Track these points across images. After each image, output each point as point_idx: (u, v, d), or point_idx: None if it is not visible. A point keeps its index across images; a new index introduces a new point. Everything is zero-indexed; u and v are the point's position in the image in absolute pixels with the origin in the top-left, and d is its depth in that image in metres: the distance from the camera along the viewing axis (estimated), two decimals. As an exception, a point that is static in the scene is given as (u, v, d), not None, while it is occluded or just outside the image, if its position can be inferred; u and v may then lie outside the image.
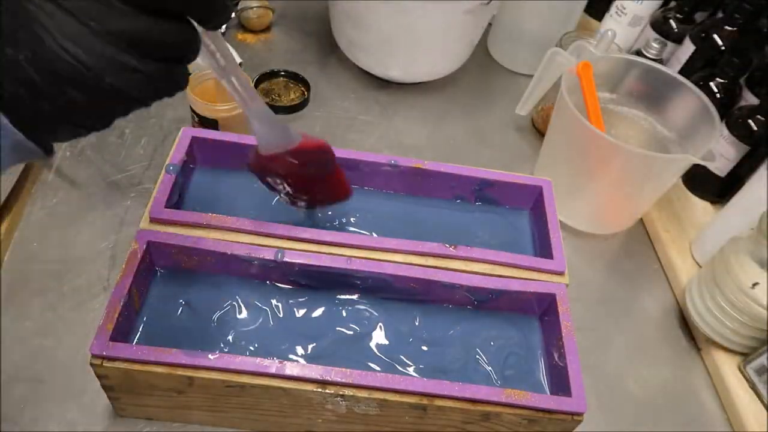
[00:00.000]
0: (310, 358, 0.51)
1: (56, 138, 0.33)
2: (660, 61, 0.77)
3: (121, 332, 0.47)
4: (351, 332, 0.53)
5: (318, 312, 0.54)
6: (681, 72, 0.80)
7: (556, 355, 0.51)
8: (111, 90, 0.30)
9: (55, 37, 0.28)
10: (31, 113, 0.31)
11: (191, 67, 0.77)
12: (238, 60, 0.82)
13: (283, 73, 0.85)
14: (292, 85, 0.84)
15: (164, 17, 0.30)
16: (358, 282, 0.54)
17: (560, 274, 0.55)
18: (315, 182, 0.53)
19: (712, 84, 0.75)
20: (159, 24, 0.30)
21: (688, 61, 0.81)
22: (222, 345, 0.51)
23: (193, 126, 0.71)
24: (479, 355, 0.53)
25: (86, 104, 0.31)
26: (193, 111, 0.69)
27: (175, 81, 0.32)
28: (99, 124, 0.33)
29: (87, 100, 0.30)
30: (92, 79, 0.29)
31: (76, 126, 0.33)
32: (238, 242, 0.52)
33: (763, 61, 0.75)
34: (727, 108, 0.74)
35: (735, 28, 0.77)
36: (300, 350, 0.51)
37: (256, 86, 0.82)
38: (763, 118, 0.70)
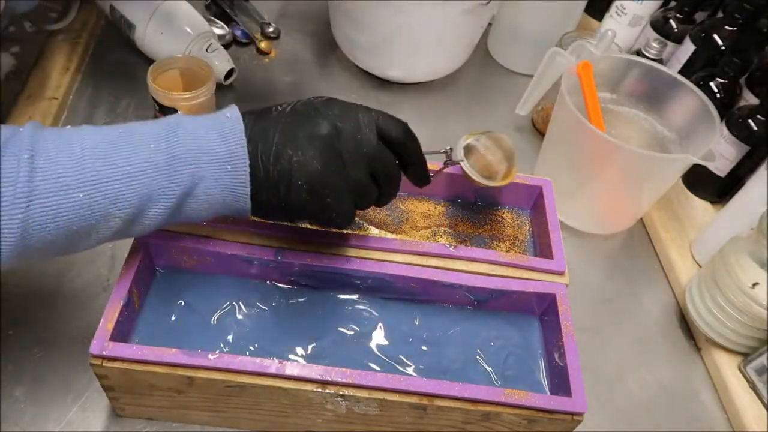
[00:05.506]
0: (310, 358, 0.51)
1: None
2: (660, 61, 0.77)
3: (121, 332, 0.47)
4: (351, 332, 0.53)
5: (318, 312, 0.54)
6: (681, 72, 0.80)
7: (556, 355, 0.51)
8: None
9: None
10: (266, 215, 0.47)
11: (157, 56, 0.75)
12: (230, 66, 0.80)
13: None
14: None
15: None
16: (358, 282, 0.54)
17: (560, 274, 0.55)
18: None
19: (712, 84, 0.75)
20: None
21: (688, 61, 0.80)
22: (222, 345, 0.51)
23: (155, 115, 0.71)
24: (479, 355, 0.53)
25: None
26: (154, 100, 0.69)
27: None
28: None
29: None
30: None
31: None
32: (238, 242, 0.52)
33: (763, 61, 0.75)
34: (727, 108, 0.74)
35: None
36: (300, 350, 0.51)
37: None
38: (763, 118, 0.70)
